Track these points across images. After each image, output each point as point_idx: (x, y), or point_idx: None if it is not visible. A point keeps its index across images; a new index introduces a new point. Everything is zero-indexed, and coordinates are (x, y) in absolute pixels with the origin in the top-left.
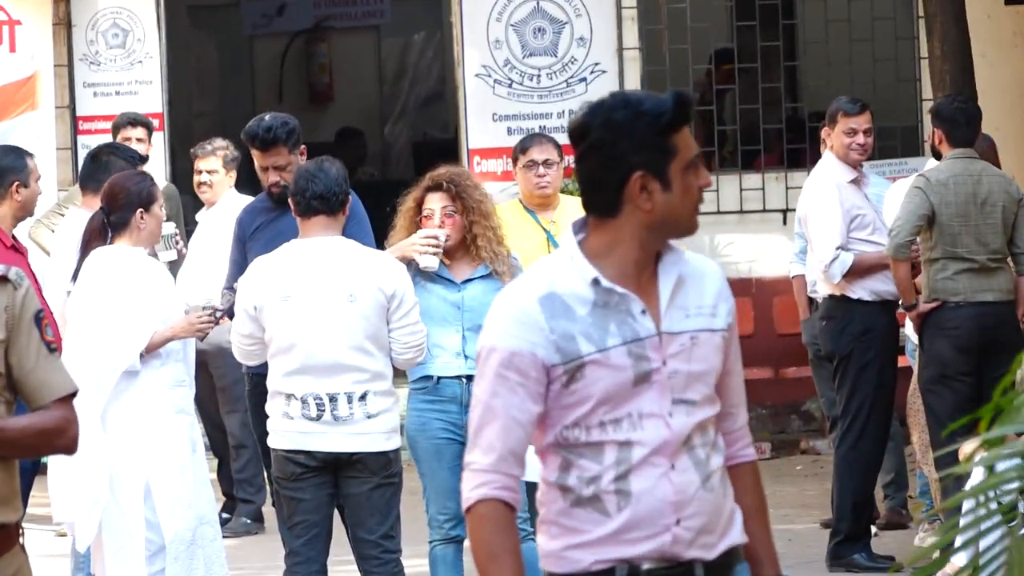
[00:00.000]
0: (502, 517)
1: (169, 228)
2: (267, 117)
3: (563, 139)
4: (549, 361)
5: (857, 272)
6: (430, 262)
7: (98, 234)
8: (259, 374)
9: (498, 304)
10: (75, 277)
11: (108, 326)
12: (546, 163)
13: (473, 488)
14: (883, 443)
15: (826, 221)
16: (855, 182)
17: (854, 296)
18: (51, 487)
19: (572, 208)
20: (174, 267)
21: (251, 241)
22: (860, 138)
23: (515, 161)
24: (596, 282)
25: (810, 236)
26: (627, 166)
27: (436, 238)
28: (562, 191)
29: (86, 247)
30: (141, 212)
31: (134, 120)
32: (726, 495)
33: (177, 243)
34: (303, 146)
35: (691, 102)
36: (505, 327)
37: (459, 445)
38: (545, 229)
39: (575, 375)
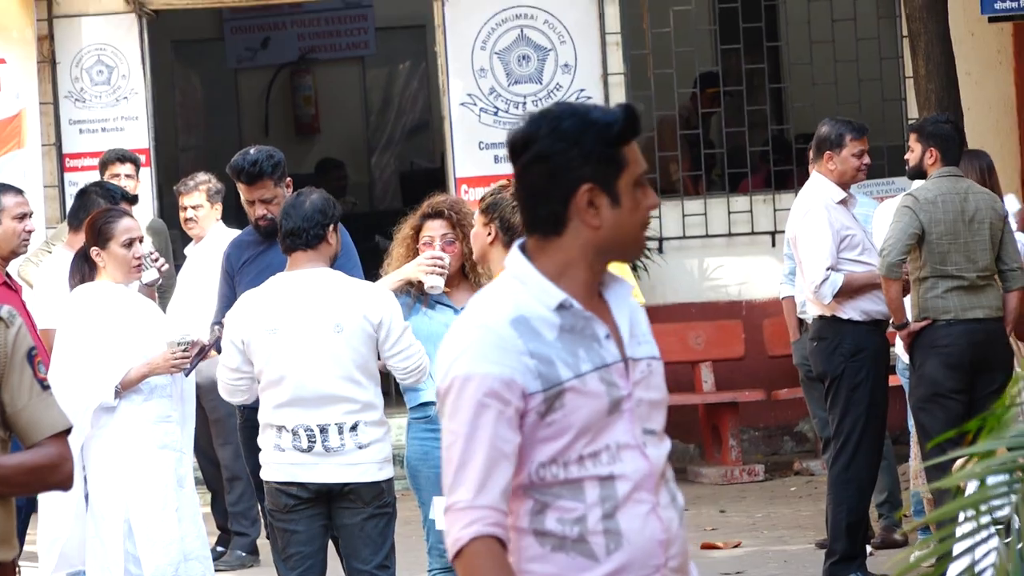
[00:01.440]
0: (499, 555)
1: (146, 247)
2: (252, 151)
3: None
4: (528, 388)
5: (847, 292)
6: (436, 282)
7: (83, 271)
8: (251, 408)
9: (464, 331)
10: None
11: (85, 362)
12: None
13: (463, 528)
14: (876, 463)
15: (816, 242)
16: (843, 202)
17: (844, 316)
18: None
19: None
20: (164, 300)
21: (239, 275)
22: (865, 159)
23: None
24: (562, 306)
25: (800, 257)
26: (575, 178)
27: (441, 259)
28: None
29: (72, 284)
30: (96, 250)
31: (122, 156)
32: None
33: (155, 260)
34: (288, 179)
35: (639, 115)
36: (480, 352)
37: None
38: None
39: (553, 404)
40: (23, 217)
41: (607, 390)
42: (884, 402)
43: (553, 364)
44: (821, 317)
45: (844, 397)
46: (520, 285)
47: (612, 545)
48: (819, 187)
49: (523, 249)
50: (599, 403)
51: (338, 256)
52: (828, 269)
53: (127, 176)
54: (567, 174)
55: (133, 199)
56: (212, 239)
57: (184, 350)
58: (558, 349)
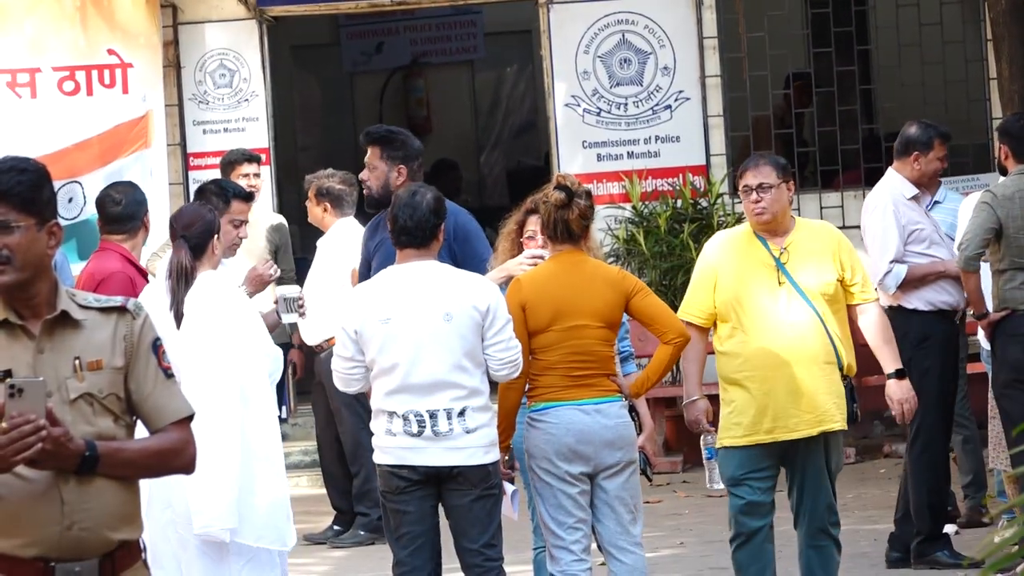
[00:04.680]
0: None
1: (293, 291)
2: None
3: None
4: None
5: (911, 282)
6: None
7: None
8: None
9: None
10: (173, 306)
11: (242, 339)
12: (760, 187)
13: None
14: (947, 443)
15: (882, 235)
16: (915, 198)
17: (909, 306)
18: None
19: (808, 233)
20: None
21: (374, 257)
22: (946, 163)
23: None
24: None
25: (867, 249)
26: None
27: (542, 257)
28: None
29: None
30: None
31: (251, 157)
32: None
33: (300, 307)
34: (402, 167)
35: None
36: None
37: None
38: (776, 257)
39: None
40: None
41: None
42: (952, 387)
43: None
44: (890, 308)
45: (915, 384)
46: None
47: None
48: (891, 183)
49: None
50: None
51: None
52: (892, 262)
53: (255, 175)
54: None
55: (249, 196)
56: (332, 234)
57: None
58: None
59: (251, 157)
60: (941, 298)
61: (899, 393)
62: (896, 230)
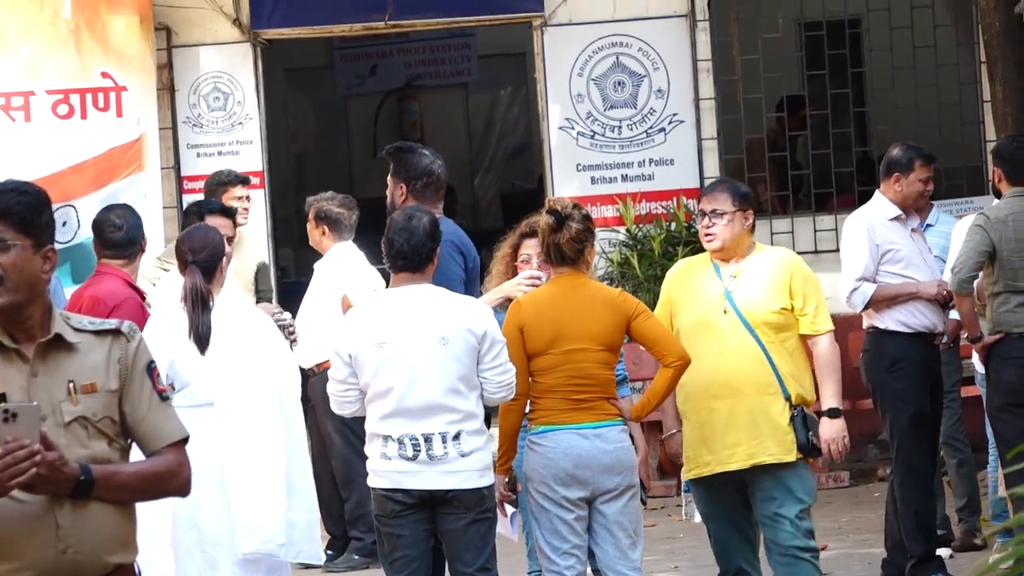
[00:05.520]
0: None
1: (285, 319)
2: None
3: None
4: None
5: (881, 302)
6: None
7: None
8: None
9: None
10: (193, 331)
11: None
12: (713, 213)
13: None
14: (933, 466)
15: (852, 253)
16: (898, 219)
17: (882, 326)
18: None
19: (763, 260)
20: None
21: None
22: (930, 186)
23: None
24: None
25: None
26: None
27: (539, 278)
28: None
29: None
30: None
31: (243, 180)
32: None
33: (291, 333)
34: (402, 184)
35: None
36: None
37: None
38: (724, 285)
39: None
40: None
41: None
42: (927, 410)
43: None
44: (867, 329)
45: (889, 406)
46: None
47: None
48: (873, 205)
49: None
50: None
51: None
52: (859, 280)
53: (247, 199)
54: None
55: (227, 211)
56: (329, 257)
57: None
58: None
59: (243, 180)
60: (916, 320)
61: (828, 432)
62: (867, 249)
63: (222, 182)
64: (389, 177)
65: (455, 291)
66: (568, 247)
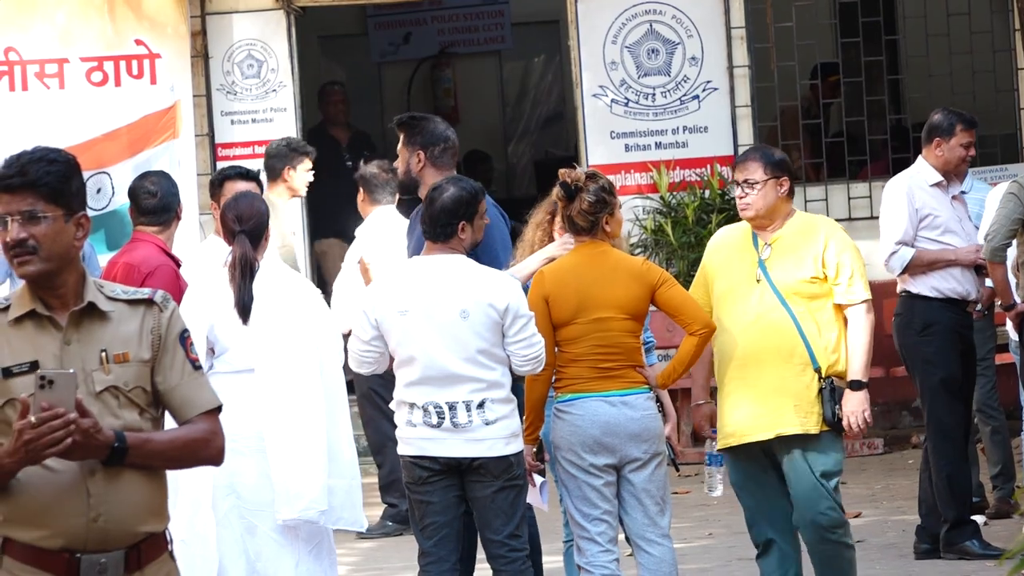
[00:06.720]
0: None
1: None
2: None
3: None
4: None
5: (918, 267)
6: None
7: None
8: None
9: None
10: (239, 300)
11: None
12: (746, 183)
13: None
14: (967, 432)
15: (891, 217)
16: (939, 185)
17: (914, 291)
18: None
19: (798, 229)
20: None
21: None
22: (971, 151)
23: None
24: None
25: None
26: None
27: None
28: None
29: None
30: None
31: (246, 174)
32: None
33: None
34: (420, 151)
35: None
36: None
37: None
38: (760, 252)
39: None
40: None
41: None
42: (959, 375)
43: None
44: (900, 293)
45: (919, 371)
46: None
47: None
48: (914, 169)
49: None
50: None
51: (482, 240)
52: (898, 243)
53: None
54: None
55: (246, 173)
56: (368, 222)
57: None
58: None
59: (248, 174)
60: (948, 285)
61: (849, 405)
62: (907, 213)
63: (223, 178)
64: (401, 147)
65: (501, 259)
66: (580, 218)
